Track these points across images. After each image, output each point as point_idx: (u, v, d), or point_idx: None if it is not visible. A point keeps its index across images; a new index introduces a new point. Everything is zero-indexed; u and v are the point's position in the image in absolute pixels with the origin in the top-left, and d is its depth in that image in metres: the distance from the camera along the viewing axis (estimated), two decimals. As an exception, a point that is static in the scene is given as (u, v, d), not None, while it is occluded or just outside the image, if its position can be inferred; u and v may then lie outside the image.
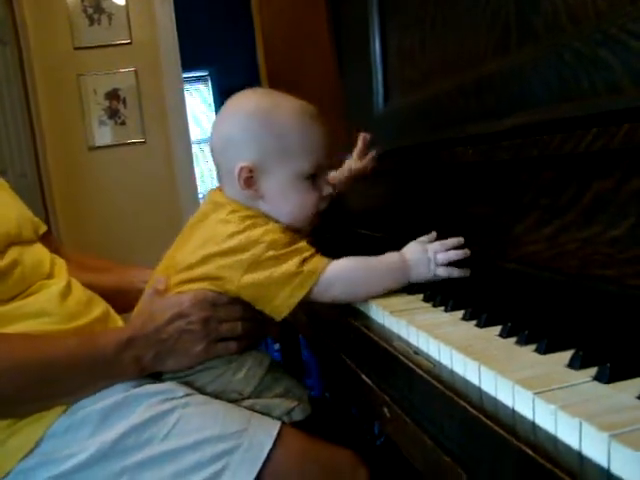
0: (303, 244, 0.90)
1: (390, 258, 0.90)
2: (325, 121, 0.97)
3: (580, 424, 0.44)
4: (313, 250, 0.90)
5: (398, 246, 0.93)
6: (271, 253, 0.86)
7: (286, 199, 0.95)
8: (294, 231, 0.95)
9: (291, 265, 0.86)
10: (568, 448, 0.45)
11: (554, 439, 0.47)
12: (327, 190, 0.97)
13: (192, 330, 0.92)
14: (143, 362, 0.91)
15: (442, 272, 0.88)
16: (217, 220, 0.94)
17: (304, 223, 0.97)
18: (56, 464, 0.84)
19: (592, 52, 0.73)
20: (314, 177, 0.95)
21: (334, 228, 1.54)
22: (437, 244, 0.90)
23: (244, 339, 0.97)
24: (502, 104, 0.92)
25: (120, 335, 0.91)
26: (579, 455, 0.44)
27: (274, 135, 0.92)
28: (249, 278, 0.87)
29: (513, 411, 0.52)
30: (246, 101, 0.97)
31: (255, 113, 0.94)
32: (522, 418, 0.51)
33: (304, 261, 0.87)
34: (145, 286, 1.04)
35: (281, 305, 0.87)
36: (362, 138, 1.23)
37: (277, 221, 0.94)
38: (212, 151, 1.00)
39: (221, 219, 0.93)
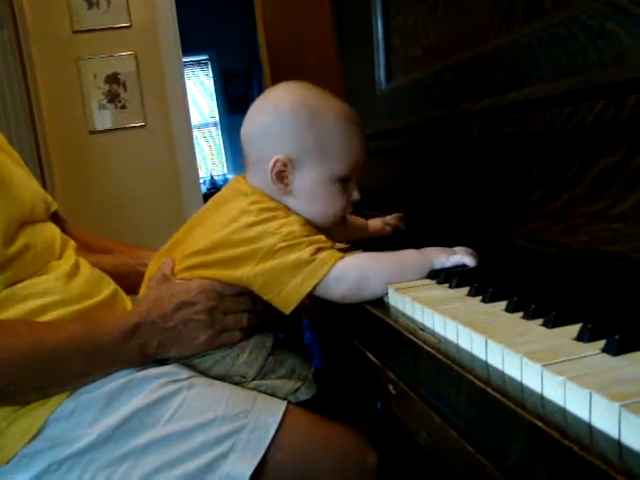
0: (320, 236, 0.88)
1: (405, 252, 0.88)
2: (364, 129, 0.97)
3: (590, 395, 0.43)
4: (330, 243, 0.89)
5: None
6: (285, 244, 0.85)
7: (315, 199, 0.94)
8: (315, 227, 0.93)
9: (304, 252, 0.84)
10: (578, 420, 0.45)
11: (563, 411, 0.46)
12: (355, 196, 0.97)
13: (198, 319, 0.92)
14: (147, 350, 0.90)
15: (458, 258, 0.85)
16: (238, 209, 0.92)
17: (327, 225, 0.97)
18: (60, 448, 0.84)
19: (599, 24, 0.72)
20: (345, 181, 0.95)
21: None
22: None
23: (249, 329, 0.96)
24: (508, 79, 0.91)
25: (126, 322, 0.89)
26: (589, 426, 0.43)
27: (316, 133, 0.92)
28: (261, 267, 0.86)
29: (521, 384, 0.52)
30: (292, 94, 0.95)
31: (300, 108, 0.93)
32: (530, 391, 0.50)
33: (318, 250, 0.85)
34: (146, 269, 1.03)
35: (291, 295, 0.85)
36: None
37: (299, 215, 0.93)
38: (244, 137, 0.98)
39: (242, 208, 0.91)
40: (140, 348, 0.90)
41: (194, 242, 0.95)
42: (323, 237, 0.89)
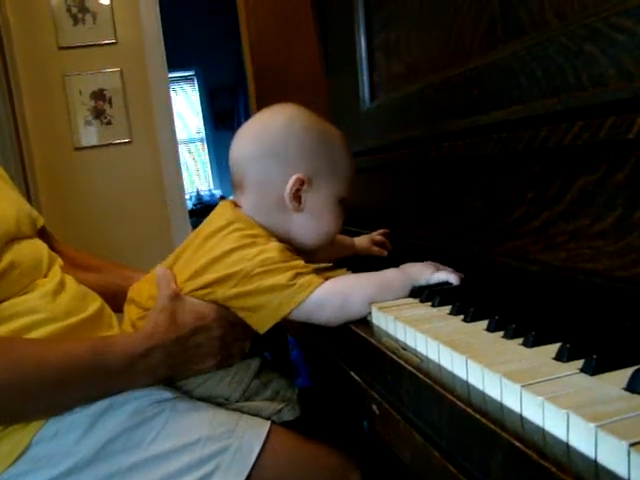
0: (299, 262, 0.87)
1: (386, 272, 0.88)
2: None
3: (567, 415, 0.44)
4: (310, 268, 0.88)
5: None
6: (262, 269, 0.84)
7: (323, 218, 0.95)
8: (297, 253, 0.92)
9: (282, 277, 0.83)
10: (556, 439, 0.45)
11: (542, 431, 0.47)
12: (343, 217, 0.98)
13: (210, 345, 0.91)
14: (157, 372, 0.89)
15: (442, 275, 0.85)
16: (220, 236, 0.91)
17: (323, 244, 0.98)
18: (43, 470, 0.83)
19: (577, 46, 0.73)
20: (343, 202, 0.97)
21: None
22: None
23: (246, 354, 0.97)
24: (489, 98, 0.92)
25: (137, 346, 0.87)
26: (567, 446, 0.44)
27: (329, 154, 0.94)
28: (237, 290, 0.85)
29: (501, 404, 0.52)
30: (295, 114, 0.96)
31: (312, 128, 0.94)
32: (510, 411, 0.51)
33: (297, 275, 0.84)
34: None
35: (267, 316, 0.84)
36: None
37: (282, 240, 0.92)
38: (238, 159, 0.96)
39: (223, 235, 0.91)
40: (148, 371, 0.88)
41: (183, 269, 0.95)
42: (302, 262, 0.88)
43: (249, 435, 0.89)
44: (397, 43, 1.27)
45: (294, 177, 0.91)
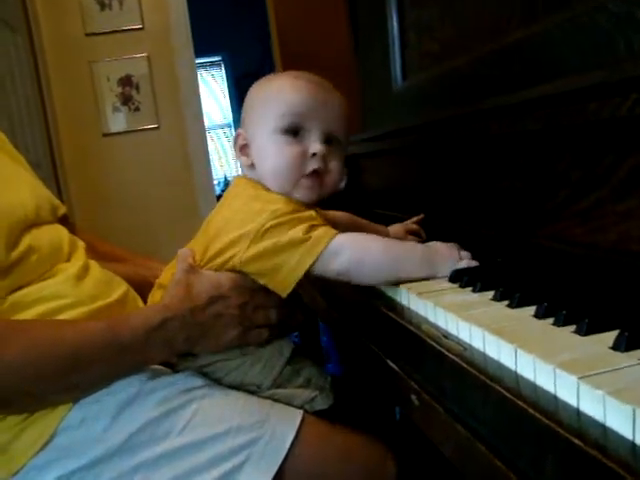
0: (310, 212, 0.87)
1: (412, 244, 0.86)
2: (322, 83, 0.93)
3: (633, 411, 0.40)
4: (321, 219, 0.87)
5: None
6: (275, 221, 0.83)
7: (266, 154, 0.91)
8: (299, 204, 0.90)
9: (297, 231, 0.82)
10: (619, 437, 0.41)
11: (602, 427, 0.43)
12: (314, 147, 0.89)
13: (229, 314, 0.88)
14: (173, 345, 0.86)
15: (464, 264, 0.83)
16: (229, 201, 0.93)
17: (290, 181, 0.90)
18: (70, 459, 0.81)
19: (628, 12, 0.68)
20: (298, 133, 0.89)
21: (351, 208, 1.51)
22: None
23: (276, 328, 0.94)
24: (530, 73, 0.87)
25: (152, 318, 0.85)
26: (632, 445, 0.40)
27: (259, 103, 0.93)
28: (254, 249, 0.84)
29: (555, 397, 0.49)
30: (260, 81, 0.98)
31: (253, 87, 0.96)
32: (565, 404, 0.47)
33: (311, 228, 0.83)
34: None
35: (287, 276, 0.82)
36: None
37: (278, 193, 0.90)
38: None
39: (232, 198, 0.93)
40: (165, 344, 0.85)
41: (200, 242, 0.94)
42: (313, 213, 0.87)
43: (281, 425, 0.86)
44: (430, 20, 1.22)
45: (235, 134, 0.96)
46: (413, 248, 0.86)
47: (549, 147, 0.79)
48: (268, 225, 0.83)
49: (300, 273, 0.82)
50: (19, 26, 3.17)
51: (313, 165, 0.89)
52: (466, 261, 0.83)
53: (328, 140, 0.91)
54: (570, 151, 0.76)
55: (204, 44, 5.12)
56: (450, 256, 0.84)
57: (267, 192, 0.90)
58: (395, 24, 1.38)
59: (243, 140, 0.94)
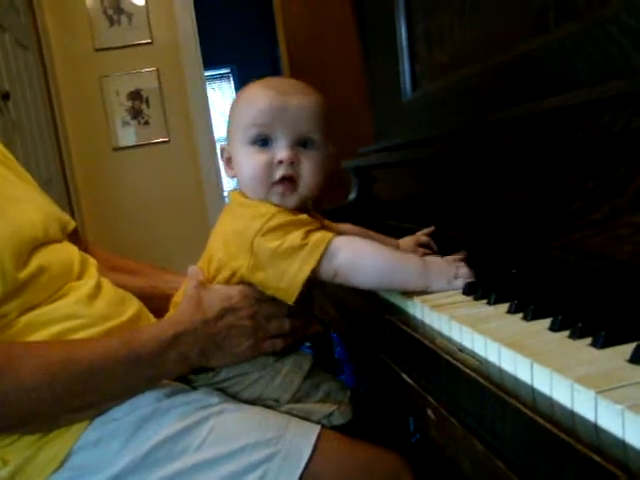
0: (302, 216, 0.88)
1: (409, 255, 0.88)
2: (282, 88, 0.91)
3: (654, 427, 0.40)
4: (317, 223, 0.88)
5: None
6: (274, 223, 0.84)
7: (241, 165, 0.92)
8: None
9: (295, 238, 0.83)
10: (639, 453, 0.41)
11: (622, 443, 0.43)
12: (280, 155, 0.88)
13: (242, 325, 0.89)
14: (188, 359, 0.87)
15: (460, 283, 0.83)
16: (225, 212, 0.97)
17: (262, 189, 0.90)
18: (87, 478, 0.81)
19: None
20: (266, 143, 0.89)
21: (362, 219, 1.51)
22: (458, 258, 0.89)
23: (290, 337, 0.94)
24: (541, 85, 0.87)
25: (164, 332, 0.86)
26: (654, 462, 0.40)
27: (232, 116, 0.94)
28: (254, 260, 0.85)
29: (572, 412, 0.48)
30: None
31: (233, 100, 0.97)
32: (583, 420, 0.47)
33: (308, 234, 0.84)
34: (175, 292, 1.01)
35: (291, 283, 0.83)
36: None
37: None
38: None
39: (226, 210, 0.97)
40: (180, 357, 0.86)
41: (205, 255, 0.97)
42: (305, 217, 0.88)
43: (298, 440, 0.86)
44: (440, 31, 1.22)
45: (220, 148, 0.98)
46: (408, 257, 0.87)
47: (564, 158, 0.79)
48: (264, 230, 0.84)
49: (302, 279, 0.82)
50: (30, 44, 3.20)
51: (280, 172, 0.89)
52: (461, 280, 0.83)
53: (301, 143, 0.91)
54: (585, 162, 0.75)
55: (213, 56, 5.15)
56: (446, 272, 0.84)
57: (257, 202, 0.91)
58: (404, 34, 1.38)
59: (227, 154, 0.97)
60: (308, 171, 0.91)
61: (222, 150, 0.98)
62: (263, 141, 0.90)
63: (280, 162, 0.89)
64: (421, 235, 1.15)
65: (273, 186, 0.90)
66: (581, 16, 0.80)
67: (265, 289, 0.88)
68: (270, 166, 0.89)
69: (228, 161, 0.97)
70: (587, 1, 0.79)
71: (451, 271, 0.84)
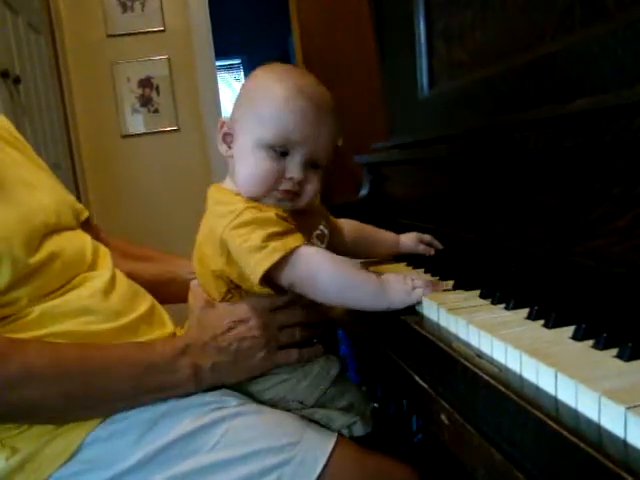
0: (270, 215, 0.85)
1: (370, 275, 0.85)
2: (321, 106, 0.89)
3: (690, 447, 0.38)
4: (288, 225, 0.86)
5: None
6: (239, 220, 0.84)
7: (244, 161, 0.91)
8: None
9: (257, 237, 0.82)
10: (672, 473, 0.40)
11: (654, 462, 0.41)
12: (292, 172, 0.88)
13: (252, 336, 0.89)
14: (201, 373, 0.87)
15: (419, 292, 0.82)
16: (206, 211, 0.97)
17: (260, 193, 0.89)
18: (96, 472, 0.80)
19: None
20: (281, 153, 0.88)
21: (373, 216, 1.49)
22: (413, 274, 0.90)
23: (305, 346, 0.94)
24: (564, 87, 0.85)
25: (176, 342, 0.88)
26: (687, 482, 0.38)
27: (253, 100, 0.90)
28: (225, 256, 0.87)
29: (599, 426, 0.47)
30: (258, 71, 0.95)
31: (249, 80, 0.94)
32: (610, 435, 0.45)
33: (273, 236, 0.82)
34: (191, 276, 1.00)
35: (251, 278, 0.82)
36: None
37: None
38: None
39: (206, 208, 0.96)
40: (193, 368, 0.86)
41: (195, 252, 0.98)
42: (274, 216, 0.85)
43: (314, 448, 0.85)
44: (460, 28, 1.20)
45: (220, 121, 0.95)
46: (368, 278, 0.84)
47: (588, 162, 0.77)
48: (231, 225, 0.84)
49: (256, 279, 0.81)
50: (43, 28, 3.19)
51: (287, 186, 0.89)
52: (420, 290, 0.82)
53: (310, 165, 0.90)
54: (611, 167, 0.73)
55: (224, 46, 5.13)
56: (402, 288, 0.82)
57: (230, 194, 0.92)
58: (423, 30, 1.36)
59: (228, 129, 0.94)
60: (311, 189, 0.91)
61: (222, 124, 0.95)
62: (281, 153, 0.88)
63: (290, 178, 0.88)
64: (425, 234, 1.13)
65: (273, 191, 0.89)
66: (608, 16, 0.78)
67: (245, 282, 0.89)
68: (279, 177, 0.89)
69: (225, 137, 0.95)
70: (615, 1, 0.77)
71: (408, 284, 0.82)
